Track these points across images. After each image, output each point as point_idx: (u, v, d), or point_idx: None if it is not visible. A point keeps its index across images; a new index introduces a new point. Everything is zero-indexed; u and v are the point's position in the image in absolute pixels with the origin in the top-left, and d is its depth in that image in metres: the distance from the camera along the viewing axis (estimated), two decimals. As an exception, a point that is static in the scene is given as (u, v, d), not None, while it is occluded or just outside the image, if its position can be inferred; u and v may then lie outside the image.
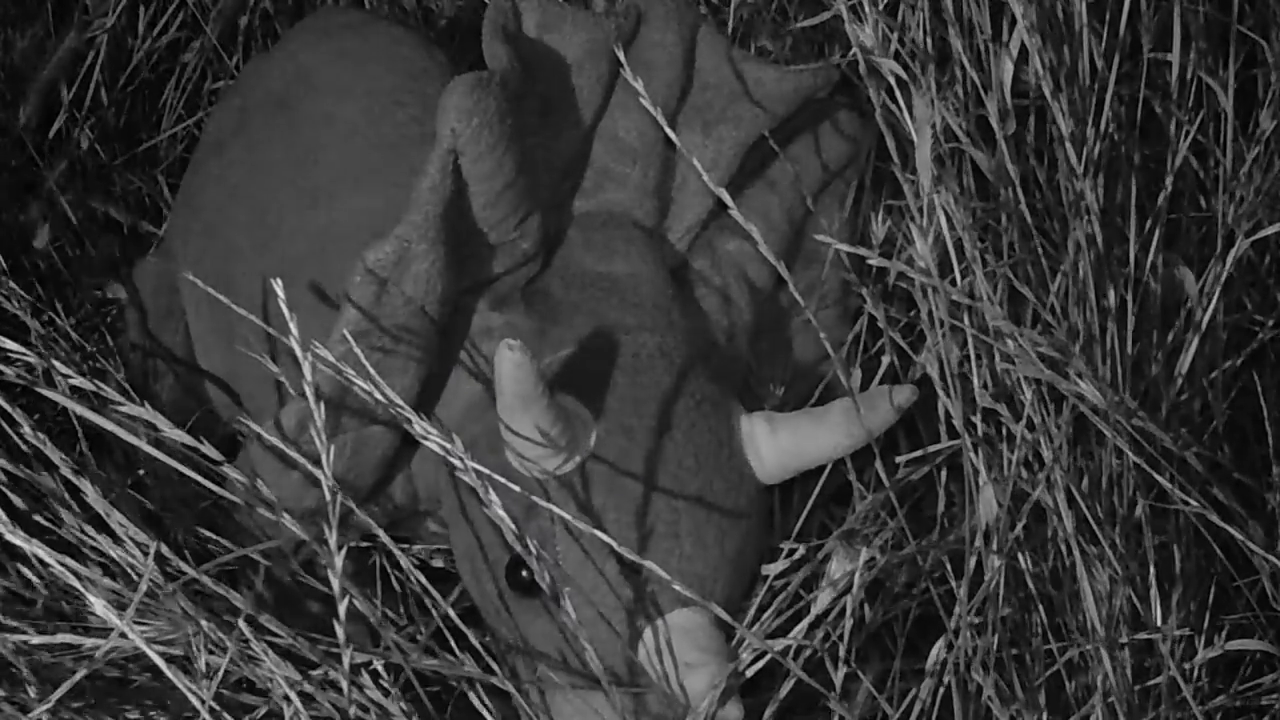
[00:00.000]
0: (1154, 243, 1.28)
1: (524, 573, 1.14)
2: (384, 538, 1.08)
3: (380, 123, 1.32)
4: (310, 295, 1.25)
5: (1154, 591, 1.21)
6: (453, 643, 1.16)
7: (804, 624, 1.13)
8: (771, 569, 1.21)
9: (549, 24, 1.20)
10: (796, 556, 1.18)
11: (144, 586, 1.05)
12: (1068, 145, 1.19)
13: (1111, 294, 1.22)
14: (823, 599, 1.08)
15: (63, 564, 1.03)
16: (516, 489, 1.08)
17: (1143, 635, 1.19)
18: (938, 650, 1.15)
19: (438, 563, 1.32)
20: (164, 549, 1.08)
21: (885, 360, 1.24)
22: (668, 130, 1.16)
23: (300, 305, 1.07)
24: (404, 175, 1.20)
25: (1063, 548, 1.19)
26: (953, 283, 1.15)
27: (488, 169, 1.13)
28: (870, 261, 1.12)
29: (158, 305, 1.46)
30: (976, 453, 1.15)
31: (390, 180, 1.27)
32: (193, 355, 1.41)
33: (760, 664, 1.17)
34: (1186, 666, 1.21)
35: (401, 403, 1.06)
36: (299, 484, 1.18)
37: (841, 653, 1.08)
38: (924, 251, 1.06)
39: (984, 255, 1.19)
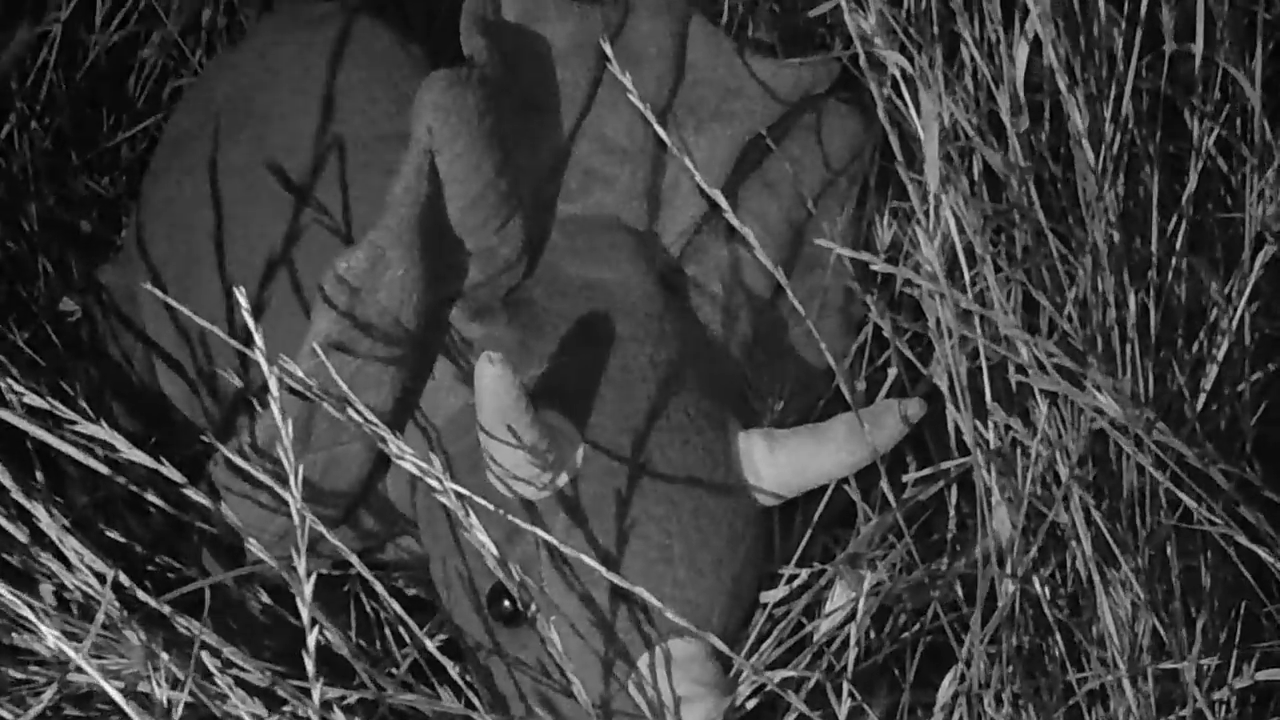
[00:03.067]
0: (1176, 246, 1.28)
1: (506, 602, 1.14)
2: (358, 564, 1.09)
3: (351, 121, 1.33)
4: (278, 305, 1.25)
5: (1179, 618, 1.21)
6: (431, 677, 1.16)
7: (806, 654, 1.14)
8: (771, 596, 1.21)
9: (531, 14, 1.20)
10: (798, 583, 1.19)
11: (100, 618, 1.05)
12: (1084, 142, 1.20)
13: (1131, 301, 1.23)
14: (825, 626, 1.08)
15: (14, 594, 1.03)
16: (498, 511, 1.09)
17: (1167, 665, 1.19)
18: (949, 682, 1.15)
19: (414, 591, 1.33)
20: (122, 577, 1.08)
21: (892, 372, 1.24)
22: (658, 129, 1.17)
23: (267, 316, 1.07)
24: (378, 177, 1.21)
25: (1081, 571, 1.19)
26: (962, 289, 1.16)
27: (465, 170, 1.13)
28: (874, 267, 1.13)
29: (116, 318, 1.47)
30: (989, 470, 1.15)
31: (363, 182, 1.28)
32: (152, 371, 1.42)
33: (759, 697, 1.17)
34: (1214, 698, 1.21)
35: (375, 420, 1.07)
36: (266, 507, 1.19)
37: (846, 686, 1.09)
38: (930, 256, 1.07)
39: (995, 260, 1.19)
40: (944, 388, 1.17)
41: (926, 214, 1.15)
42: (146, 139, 1.72)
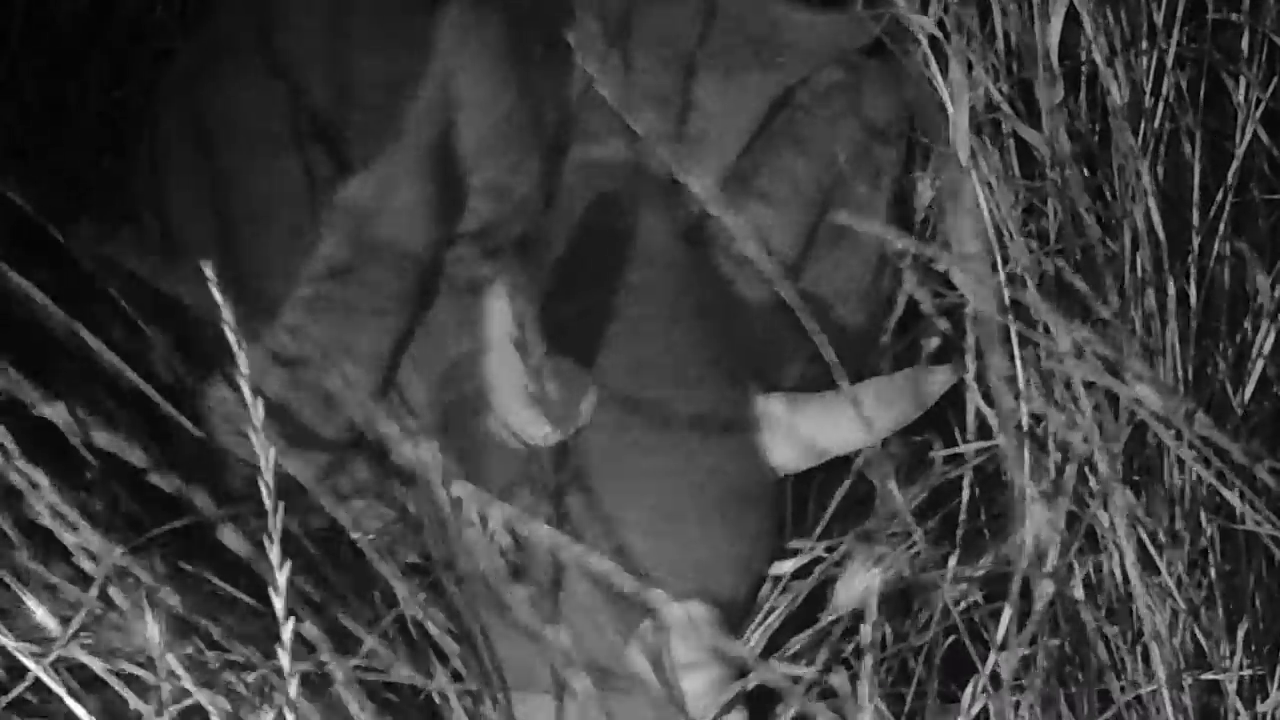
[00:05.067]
0: (1220, 227, 1.27)
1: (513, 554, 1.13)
2: (351, 529, 1.08)
3: (363, 64, 1.31)
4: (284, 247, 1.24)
5: (1220, 625, 1.20)
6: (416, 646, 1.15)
7: (804, 637, 1.12)
8: (782, 568, 1.20)
9: None
10: (810, 556, 1.18)
11: (92, 594, 1.05)
12: (1123, 117, 1.19)
13: (1171, 285, 1.22)
14: (840, 599, 1.06)
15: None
16: (500, 506, 1.07)
17: (1208, 675, 1.18)
18: (973, 692, 1.14)
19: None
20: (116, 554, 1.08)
21: (930, 343, 1.23)
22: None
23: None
24: (401, 99, 1.19)
25: (1117, 574, 1.18)
26: (993, 268, 1.14)
27: (484, 95, 1.13)
28: (901, 245, 1.11)
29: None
30: (1020, 456, 1.13)
31: (384, 109, 1.27)
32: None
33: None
34: (1258, 710, 1.20)
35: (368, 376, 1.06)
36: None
37: (865, 690, 1.07)
38: (963, 233, 1.04)
39: (1029, 241, 1.18)
40: (969, 374, 1.16)
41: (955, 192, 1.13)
42: (117, 115, 1.71)
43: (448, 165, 1.14)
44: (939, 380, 1.17)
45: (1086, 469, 1.17)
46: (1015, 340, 1.15)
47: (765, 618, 1.20)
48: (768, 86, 1.25)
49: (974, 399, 1.19)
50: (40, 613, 0.96)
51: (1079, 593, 1.19)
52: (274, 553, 0.95)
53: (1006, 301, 1.15)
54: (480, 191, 1.17)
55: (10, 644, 1.03)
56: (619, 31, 1.22)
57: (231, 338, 1.00)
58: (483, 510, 1.05)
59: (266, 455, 0.99)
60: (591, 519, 1.12)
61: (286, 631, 0.94)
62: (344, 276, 1.12)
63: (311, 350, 1.14)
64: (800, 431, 1.18)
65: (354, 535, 1.08)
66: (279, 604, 0.94)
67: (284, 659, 0.94)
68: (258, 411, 0.99)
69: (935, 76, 1.14)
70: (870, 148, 1.30)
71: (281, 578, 0.93)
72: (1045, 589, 1.06)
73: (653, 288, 1.19)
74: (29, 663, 1.02)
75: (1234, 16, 1.29)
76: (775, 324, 1.27)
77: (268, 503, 0.96)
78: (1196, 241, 1.26)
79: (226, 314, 1.00)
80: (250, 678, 1.07)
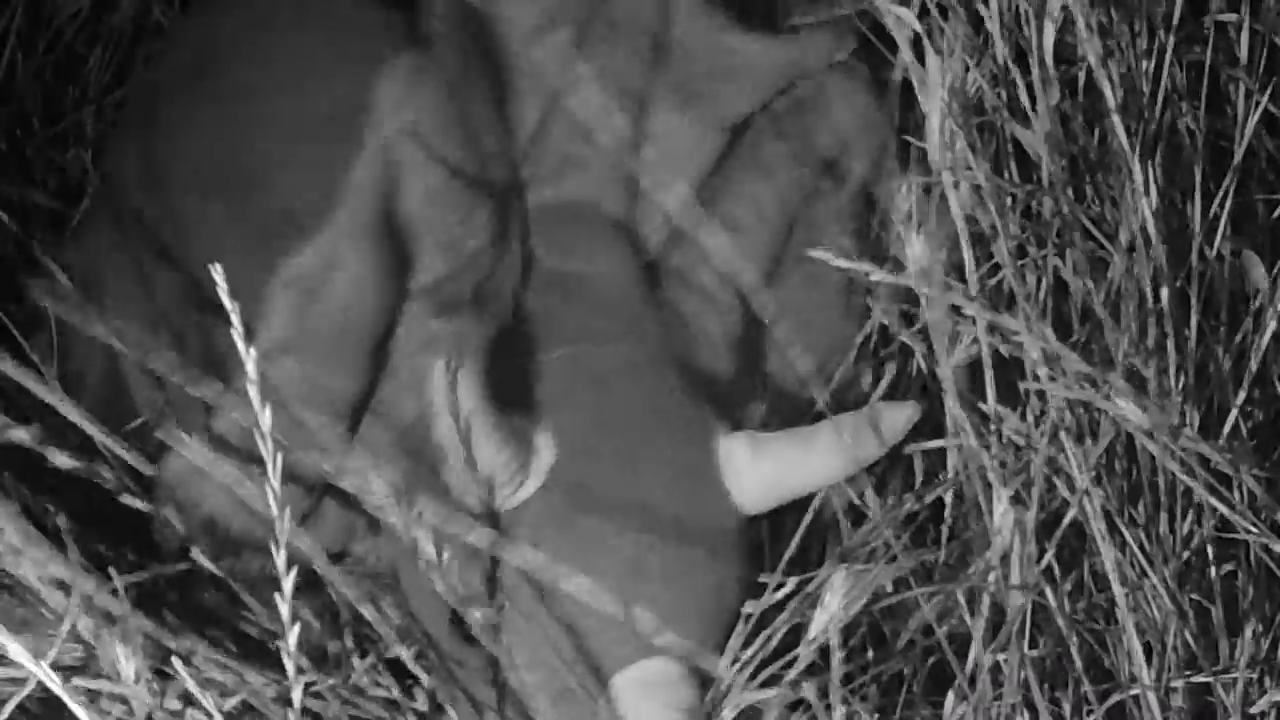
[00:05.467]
0: (1219, 229, 1.27)
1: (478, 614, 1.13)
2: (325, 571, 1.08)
3: (313, 98, 1.30)
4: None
5: (1212, 629, 1.20)
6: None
7: (783, 664, 1.12)
8: (756, 607, 1.20)
9: None
10: (785, 592, 1.17)
11: (64, 630, 1.06)
12: (1115, 118, 1.18)
13: (1164, 293, 1.21)
14: (815, 628, 1.06)
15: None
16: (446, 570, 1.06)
17: (1200, 677, 1.18)
18: (951, 703, 1.14)
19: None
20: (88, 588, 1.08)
21: (889, 369, 1.23)
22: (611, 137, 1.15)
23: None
24: (341, 157, 1.20)
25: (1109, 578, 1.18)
26: (977, 277, 1.14)
27: (428, 157, 1.13)
28: (873, 277, 1.10)
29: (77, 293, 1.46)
30: (989, 469, 1.13)
31: (324, 164, 1.27)
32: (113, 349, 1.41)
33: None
34: (1251, 713, 1.20)
35: (332, 439, 1.07)
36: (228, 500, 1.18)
37: (836, 703, 1.07)
38: (918, 255, 1.03)
39: (1021, 244, 1.18)
40: (947, 387, 1.15)
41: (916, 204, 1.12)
42: (116, 113, 1.72)
43: (394, 229, 1.14)
44: (904, 416, 1.16)
45: (1061, 479, 1.17)
46: (985, 353, 1.13)
47: (740, 655, 1.19)
48: (725, 115, 1.25)
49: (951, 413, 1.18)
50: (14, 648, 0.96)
51: (1063, 599, 1.19)
52: (284, 609, 0.95)
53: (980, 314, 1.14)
54: (431, 249, 1.17)
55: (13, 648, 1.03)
56: (570, 70, 1.22)
57: (239, 342, 1.01)
58: (439, 544, 1.05)
59: (275, 464, 0.99)
60: (547, 583, 1.12)
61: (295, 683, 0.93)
62: (289, 352, 1.12)
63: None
64: (765, 471, 1.17)
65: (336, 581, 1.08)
66: (290, 665, 0.94)
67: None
68: (265, 416, 0.99)
69: (918, 75, 1.13)
70: (837, 163, 1.30)
71: (291, 639, 0.93)
72: (1015, 598, 1.06)
73: (612, 333, 1.19)
74: (33, 668, 1.02)
75: (1232, 16, 1.28)
76: (736, 357, 1.27)
77: (279, 561, 0.96)
78: (1196, 244, 1.26)
79: (235, 320, 1.01)
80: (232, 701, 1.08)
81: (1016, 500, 1.10)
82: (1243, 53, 1.30)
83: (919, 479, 1.26)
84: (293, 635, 0.94)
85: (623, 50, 1.22)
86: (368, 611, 1.08)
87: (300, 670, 0.95)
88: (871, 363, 1.31)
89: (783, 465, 1.17)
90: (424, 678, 1.13)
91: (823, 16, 1.26)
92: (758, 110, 1.25)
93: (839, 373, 1.29)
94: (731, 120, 1.24)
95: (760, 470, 1.17)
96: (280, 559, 0.95)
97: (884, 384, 1.25)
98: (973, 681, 1.11)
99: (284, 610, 0.95)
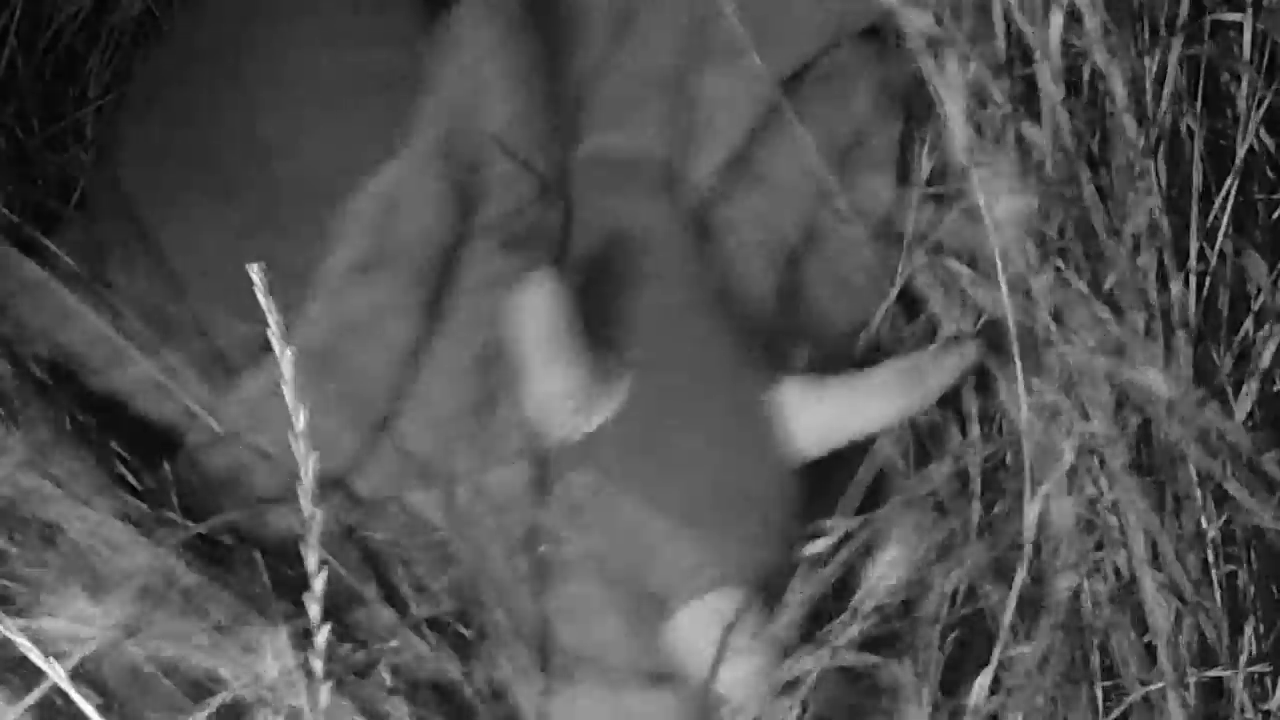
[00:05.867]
0: (1221, 227, 1.28)
1: (541, 548, 1.14)
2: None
3: (344, 60, 1.31)
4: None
5: (1225, 622, 1.21)
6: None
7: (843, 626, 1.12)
8: (814, 548, 1.20)
9: None
10: (840, 536, 1.18)
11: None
12: (1124, 117, 1.19)
13: (1174, 286, 1.22)
14: (876, 574, 1.07)
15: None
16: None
17: (1213, 673, 1.19)
18: (979, 690, 1.14)
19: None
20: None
21: (945, 330, 1.23)
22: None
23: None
24: (374, 126, 1.20)
25: (1124, 571, 1.19)
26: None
27: (509, 84, 1.13)
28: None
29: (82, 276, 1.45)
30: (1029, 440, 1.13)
31: (356, 130, 1.28)
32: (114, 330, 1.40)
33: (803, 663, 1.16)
34: (1264, 709, 1.21)
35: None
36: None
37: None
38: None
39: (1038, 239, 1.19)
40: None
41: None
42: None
43: (469, 153, 1.14)
44: (959, 360, 1.17)
45: (1096, 461, 1.17)
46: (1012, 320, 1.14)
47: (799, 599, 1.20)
48: (774, 70, 1.25)
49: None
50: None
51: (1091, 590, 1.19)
52: (311, 560, 0.95)
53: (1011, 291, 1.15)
54: (499, 182, 1.18)
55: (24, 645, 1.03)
56: (623, 19, 1.23)
57: (276, 342, 1.01)
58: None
59: (307, 458, 1.00)
60: (611, 516, 1.12)
61: (321, 637, 0.93)
62: (367, 273, 1.13)
63: (335, 348, 1.15)
64: (820, 416, 1.18)
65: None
66: (314, 611, 0.94)
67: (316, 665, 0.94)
68: (300, 415, 1.00)
69: (931, 74, 1.15)
70: (873, 127, 1.31)
71: (318, 584, 0.93)
72: (1062, 582, 1.07)
73: (662, 279, 1.20)
74: (46, 667, 1.02)
75: (1235, 15, 1.29)
76: (779, 312, 1.28)
77: (305, 506, 0.96)
78: (1194, 240, 1.27)
79: (271, 315, 1.01)
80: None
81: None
82: (1245, 51, 1.31)
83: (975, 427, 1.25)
84: (319, 582, 0.94)
85: (675, 8, 1.22)
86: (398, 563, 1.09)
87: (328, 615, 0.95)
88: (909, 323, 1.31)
89: (839, 409, 1.18)
90: (465, 632, 1.14)
91: None
92: (805, 68, 1.26)
93: (878, 322, 1.30)
94: (779, 75, 1.25)
95: (816, 414, 1.18)
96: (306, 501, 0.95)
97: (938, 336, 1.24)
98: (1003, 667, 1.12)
99: (310, 561, 0.95)
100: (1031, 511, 1.10)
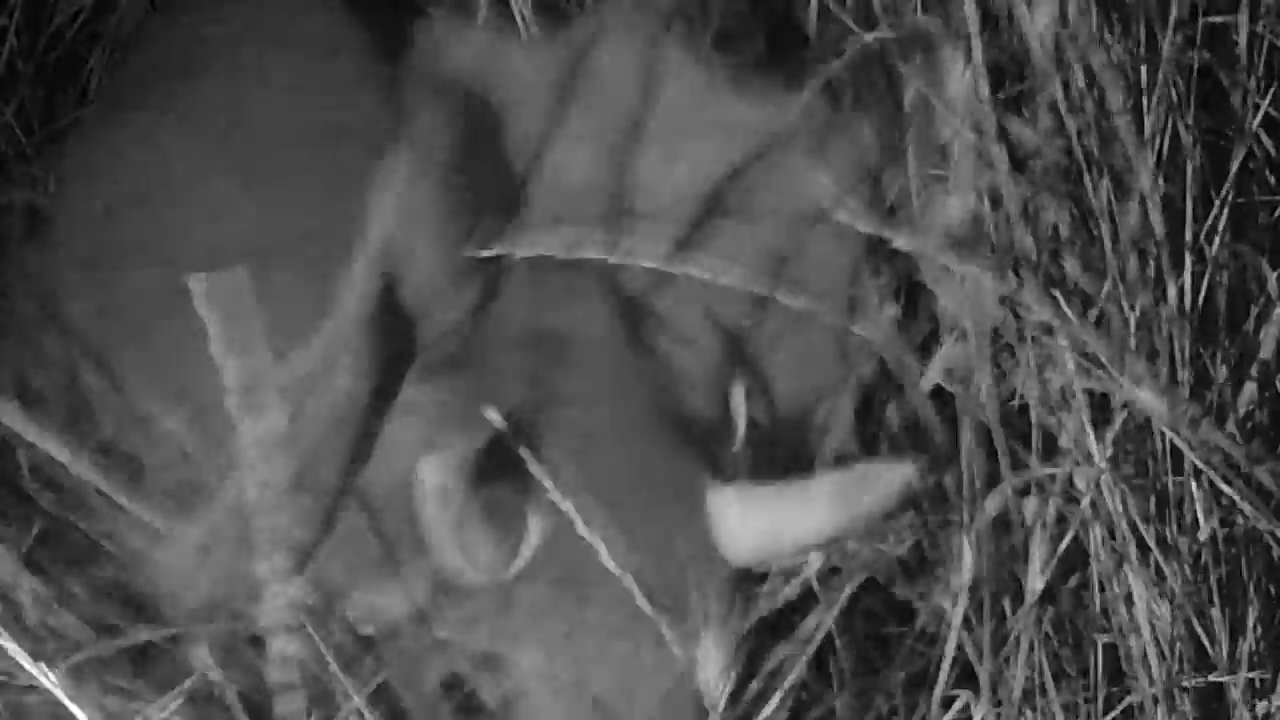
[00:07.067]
0: (1220, 229, 1.28)
1: (465, 690, 1.14)
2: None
3: (290, 115, 1.32)
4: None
5: (1222, 627, 1.22)
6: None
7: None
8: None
9: (485, 56, 1.21)
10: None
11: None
12: (1118, 119, 1.20)
13: (1171, 290, 1.23)
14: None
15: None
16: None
17: (1210, 678, 1.20)
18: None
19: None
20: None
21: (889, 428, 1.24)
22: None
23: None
24: (312, 180, 1.21)
25: (1113, 574, 1.19)
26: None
27: (425, 260, 1.14)
28: (896, 244, 1.10)
29: (30, 306, 1.44)
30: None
31: (296, 187, 1.28)
32: (74, 366, 1.41)
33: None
34: (1259, 711, 1.21)
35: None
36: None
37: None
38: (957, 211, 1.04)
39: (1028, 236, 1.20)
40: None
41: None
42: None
43: (391, 317, 1.15)
44: (901, 474, 1.14)
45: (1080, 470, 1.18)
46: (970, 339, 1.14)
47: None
48: (712, 167, 1.26)
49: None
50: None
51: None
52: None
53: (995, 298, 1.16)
54: (419, 326, 1.18)
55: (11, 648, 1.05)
56: (555, 122, 1.23)
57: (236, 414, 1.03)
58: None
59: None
60: (549, 646, 1.13)
61: None
62: (288, 448, 1.13)
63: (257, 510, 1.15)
64: (756, 526, 1.16)
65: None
66: None
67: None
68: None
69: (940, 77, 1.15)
70: (828, 213, 1.27)
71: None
72: (1035, 584, 1.07)
73: (597, 394, 1.19)
74: (31, 667, 1.04)
75: (1229, 19, 1.30)
76: (720, 402, 1.26)
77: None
78: (1188, 240, 1.27)
79: (230, 378, 1.02)
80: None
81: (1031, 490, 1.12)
82: (1242, 54, 1.31)
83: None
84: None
85: (609, 107, 1.22)
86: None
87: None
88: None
89: (776, 521, 1.16)
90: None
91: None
92: (749, 160, 1.26)
93: (828, 416, 1.29)
94: (720, 171, 1.26)
95: (752, 527, 1.16)
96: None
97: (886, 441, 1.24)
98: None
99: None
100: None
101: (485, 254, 1.13)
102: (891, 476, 1.14)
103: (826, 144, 1.28)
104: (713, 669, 1.10)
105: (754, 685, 1.19)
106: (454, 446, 1.06)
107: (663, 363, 1.25)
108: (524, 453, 1.13)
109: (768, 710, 1.17)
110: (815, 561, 1.16)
